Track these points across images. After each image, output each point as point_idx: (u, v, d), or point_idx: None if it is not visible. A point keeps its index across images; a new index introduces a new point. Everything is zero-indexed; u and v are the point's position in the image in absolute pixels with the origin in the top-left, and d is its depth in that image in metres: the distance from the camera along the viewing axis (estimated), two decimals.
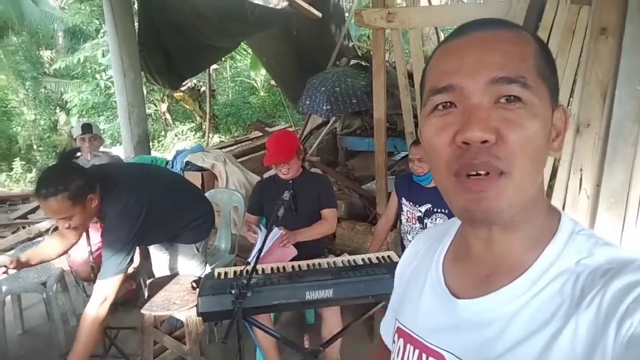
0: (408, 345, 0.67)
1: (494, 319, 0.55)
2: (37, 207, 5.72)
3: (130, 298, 3.30)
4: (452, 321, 0.60)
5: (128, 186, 2.13)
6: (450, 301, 0.61)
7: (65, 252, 2.27)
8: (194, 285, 2.28)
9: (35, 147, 11.15)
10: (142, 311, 2.24)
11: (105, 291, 1.98)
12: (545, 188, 2.58)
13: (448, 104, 0.54)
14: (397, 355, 0.68)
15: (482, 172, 0.50)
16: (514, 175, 0.50)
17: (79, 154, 2.12)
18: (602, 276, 0.50)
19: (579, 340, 0.48)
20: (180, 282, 2.43)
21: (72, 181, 1.87)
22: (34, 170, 10.03)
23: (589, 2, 2.41)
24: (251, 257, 2.41)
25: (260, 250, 1.91)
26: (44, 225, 4.74)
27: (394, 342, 0.71)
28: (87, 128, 3.46)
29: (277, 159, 2.42)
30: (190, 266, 2.53)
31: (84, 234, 2.39)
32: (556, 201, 2.43)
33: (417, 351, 0.64)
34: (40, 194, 1.83)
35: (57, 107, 11.51)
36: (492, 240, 0.58)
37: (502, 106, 0.51)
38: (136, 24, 4.97)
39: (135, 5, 5.39)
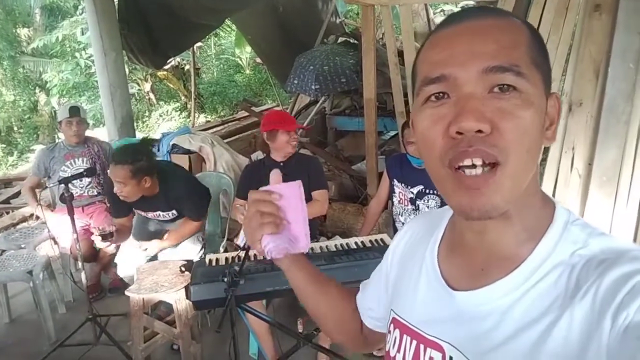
0: (405, 336, 0.67)
1: (490, 312, 0.55)
2: (20, 192, 5.59)
3: (118, 285, 3.26)
4: (449, 313, 0.60)
5: (177, 171, 2.78)
6: (447, 293, 0.61)
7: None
8: (183, 269, 2.25)
9: (15, 128, 10.88)
10: (128, 293, 2.21)
11: (194, 223, 2.67)
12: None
13: (441, 94, 0.53)
14: (394, 346, 0.68)
15: (477, 163, 0.49)
16: (508, 165, 0.50)
17: (155, 144, 2.59)
18: (597, 267, 0.50)
19: (574, 332, 0.48)
20: (168, 267, 2.41)
21: (140, 160, 2.36)
22: (15, 153, 9.79)
23: None
24: (240, 241, 2.37)
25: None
26: (27, 210, 4.63)
27: (389, 332, 0.71)
28: (74, 111, 3.21)
29: (290, 126, 2.43)
30: (193, 239, 2.78)
31: (69, 220, 2.43)
32: (548, 180, 2.43)
33: (414, 342, 0.64)
34: (114, 159, 2.37)
35: (37, 87, 11.20)
36: (484, 230, 0.58)
37: (497, 96, 0.50)
38: (116, 0, 4.79)
39: None
